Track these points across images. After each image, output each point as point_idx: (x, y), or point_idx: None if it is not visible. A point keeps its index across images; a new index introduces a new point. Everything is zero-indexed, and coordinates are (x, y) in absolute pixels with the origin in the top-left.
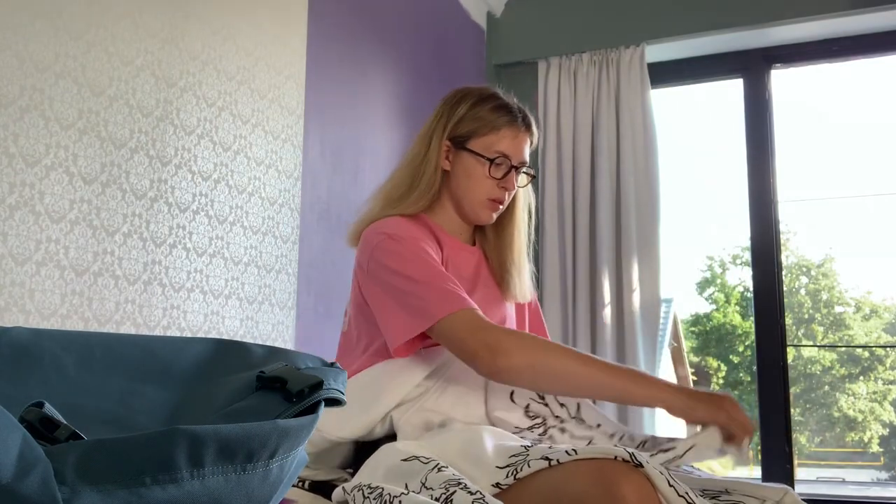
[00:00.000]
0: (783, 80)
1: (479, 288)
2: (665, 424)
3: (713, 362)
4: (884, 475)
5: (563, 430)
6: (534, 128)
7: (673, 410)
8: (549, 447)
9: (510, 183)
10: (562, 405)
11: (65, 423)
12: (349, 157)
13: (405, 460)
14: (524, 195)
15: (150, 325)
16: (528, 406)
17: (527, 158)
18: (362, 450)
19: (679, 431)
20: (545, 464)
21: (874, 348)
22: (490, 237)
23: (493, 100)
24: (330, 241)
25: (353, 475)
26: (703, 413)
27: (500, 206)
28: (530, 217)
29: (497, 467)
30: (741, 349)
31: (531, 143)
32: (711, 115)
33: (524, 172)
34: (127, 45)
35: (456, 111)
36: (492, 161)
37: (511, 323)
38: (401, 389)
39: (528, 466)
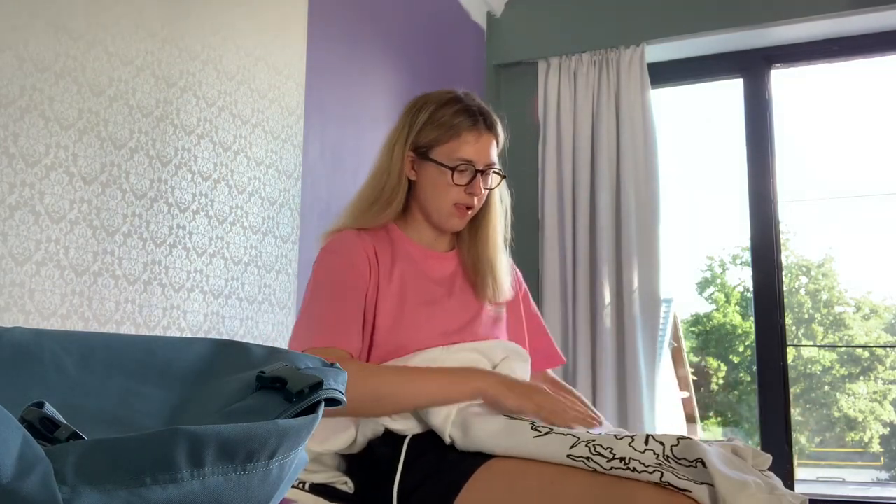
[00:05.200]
0: (783, 80)
1: (453, 293)
2: (664, 423)
3: (713, 362)
4: (884, 475)
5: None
6: (498, 127)
7: (486, 398)
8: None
9: (476, 188)
10: None
11: (65, 423)
12: (349, 157)
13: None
14: (498, 194)
15: (150, 325)
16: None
17: (493, 159)
18: (357, 457)
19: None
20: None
21: (874, 348)
22: (465, 239)
23: (452, 104)
24: None
25: (351, 477)
26: (512, 402)
27: (469, 212)
28: (506, 214)
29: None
30: (741, 349)
31: (497, 142)
32: (711, 115)
33: (494, 172)
34: (127, 45)
35: (417, 120)
36: (454, 169)
37: (484, 322)
38: None
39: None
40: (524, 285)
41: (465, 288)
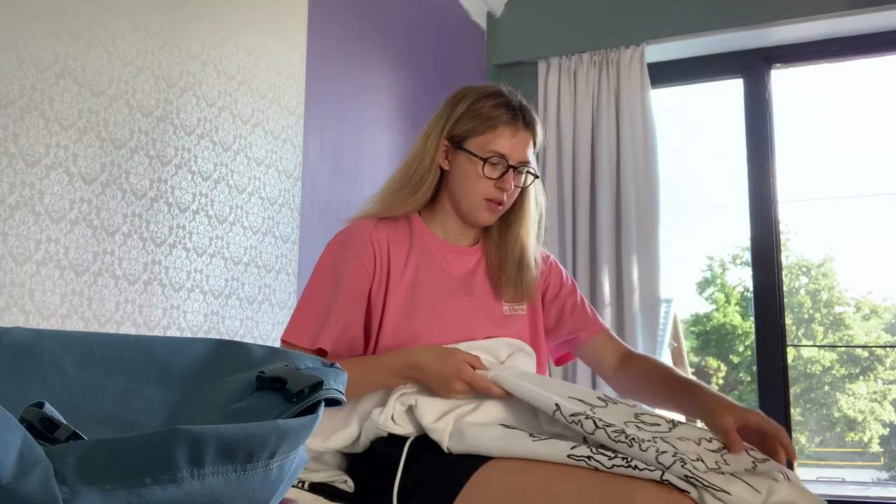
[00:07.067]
0: (783, 80)
1: (469, 290)
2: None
3: (713, 362)
4: (884, 475)
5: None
6: (537, 126)
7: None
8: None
9: (507, 183)
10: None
11: (65, 423)
12: (349, 157)
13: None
14: (533, 194)
15: (150, 325)
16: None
17: (528, 158)
18: (358, 456)
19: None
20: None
21: (874, 348)
22: (494, 236)
23: (493, 98)
24: None
25: (352, 476)
26: (434, 388)
27: (499, 207)
28: (541, 217)
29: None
30: (741, 349)
31: (534, 142)
32: (711, 115)
33: (528, 172)
34: (127, 45)
35: (455, 110)
36: (485, 161)
37: (499, 320)
38: (372, 397)
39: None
40: (556, 266)
41: (485, 285)
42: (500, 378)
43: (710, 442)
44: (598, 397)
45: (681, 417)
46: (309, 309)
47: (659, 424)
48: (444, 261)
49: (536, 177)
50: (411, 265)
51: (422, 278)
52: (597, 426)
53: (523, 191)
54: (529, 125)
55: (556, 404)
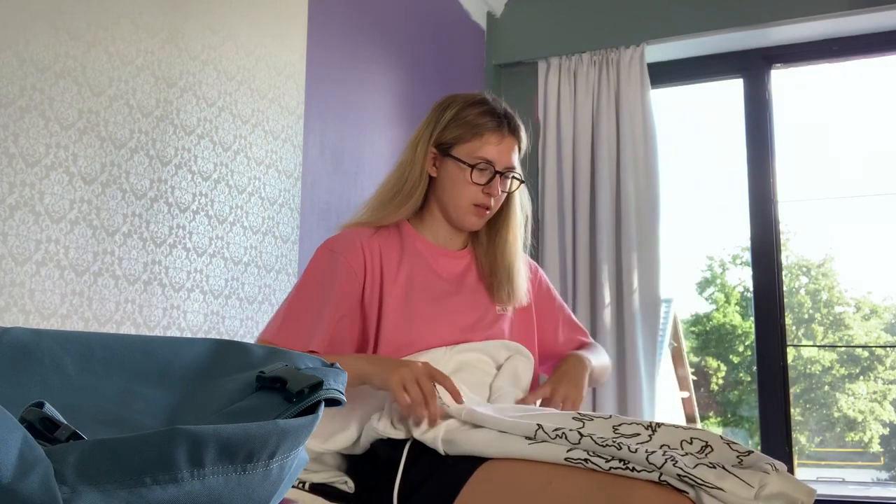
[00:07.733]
0: (783, 80)
1: (462, 291)
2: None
3: (713, 362)
4: (884, 475)
5: None
6: (521, 132)
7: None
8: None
9: (494, 189)
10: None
11: (65, 423)
12: (349, 157)
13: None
14: (518, 199)
15: (150, 325)
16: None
17: (514, 163)
18: (359, 457)
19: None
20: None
21: (874, 348)
22: (483, 241)
23: (478, 105)
24: None
25: (352, 477)
26: (377, 383)
27: (487, 212)
28: (527, 221)
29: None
30: (741, 349)
31: (519, 148)
32: (711, 115)
33: (513, 177)
34: (127, 45)
35: (442, 118)
36: (473, 167)
37: (492, 321)
38: (371, 400)
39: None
40: (545, 281)
41: (477, 287)
42: (473, 414)
43: (690, 444)
44: (574, 417)
45: (661, 420)
46: (299, 312)
47: (639, 434)
48: (435, 264)
49: (522, 182)
50: (404, 270)
51: (416, 281)
52: (582, 435)
53: (509, 196)
54: (514, 131)
55: (538, 424)
